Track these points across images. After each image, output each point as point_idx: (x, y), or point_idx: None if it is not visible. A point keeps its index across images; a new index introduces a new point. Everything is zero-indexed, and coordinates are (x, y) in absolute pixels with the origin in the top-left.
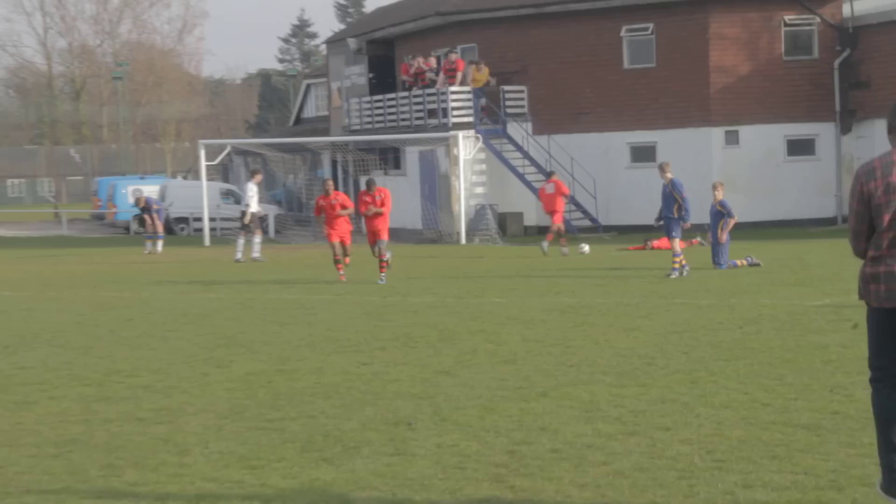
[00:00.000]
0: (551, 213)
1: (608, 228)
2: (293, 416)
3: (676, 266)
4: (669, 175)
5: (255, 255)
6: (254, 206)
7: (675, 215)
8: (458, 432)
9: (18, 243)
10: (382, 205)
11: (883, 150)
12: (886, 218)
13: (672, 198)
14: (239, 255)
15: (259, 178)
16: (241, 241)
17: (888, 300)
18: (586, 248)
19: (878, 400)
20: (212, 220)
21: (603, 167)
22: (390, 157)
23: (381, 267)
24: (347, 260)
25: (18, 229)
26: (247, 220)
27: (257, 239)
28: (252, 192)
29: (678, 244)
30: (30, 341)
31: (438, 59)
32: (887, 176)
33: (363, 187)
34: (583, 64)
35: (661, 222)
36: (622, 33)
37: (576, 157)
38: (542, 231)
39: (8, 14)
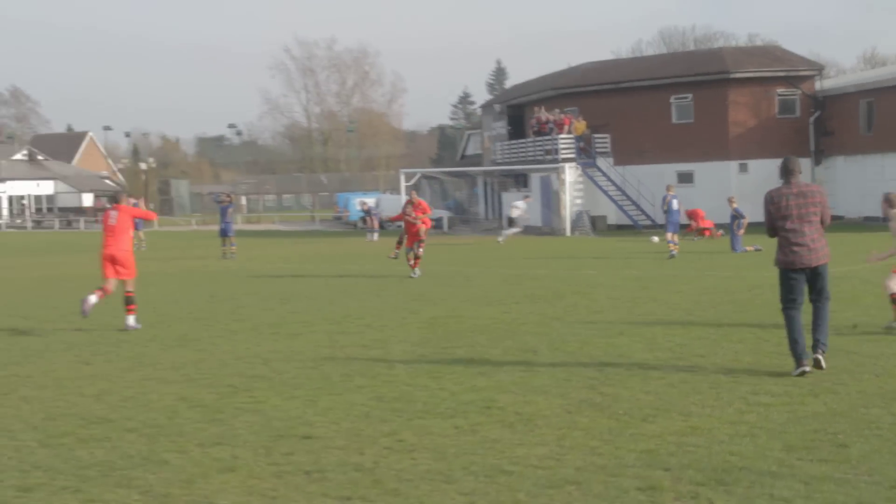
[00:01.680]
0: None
1: (660, 226)
2: (460, 346)
3: (673, 249)
4: (670, 193)
5: (503, 239)
6: (514, 213)
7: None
8: (565, 357)
9: (289, 235)
10: (424, 213)
11: (805, 181)
12: (780, 223)
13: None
14: (504, 238)
15: (530, 199)
16: (509, 231)
17: (791, 265)
18: (656, 238)
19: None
20: None
21: (659, 186)
22: (521, 180)
23: (413, 265)
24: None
25: (289, 226)
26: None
27: (512, 230)
28: (520, 205)
29: (669, 236)
30: (297, 296)
31: (554, 115)
32: (779, 201)
33: (409, 196)
34: (646, 119)
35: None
36: (671, 100)
37: (641, 180)
38: (620, 228)
39: (285, 91)
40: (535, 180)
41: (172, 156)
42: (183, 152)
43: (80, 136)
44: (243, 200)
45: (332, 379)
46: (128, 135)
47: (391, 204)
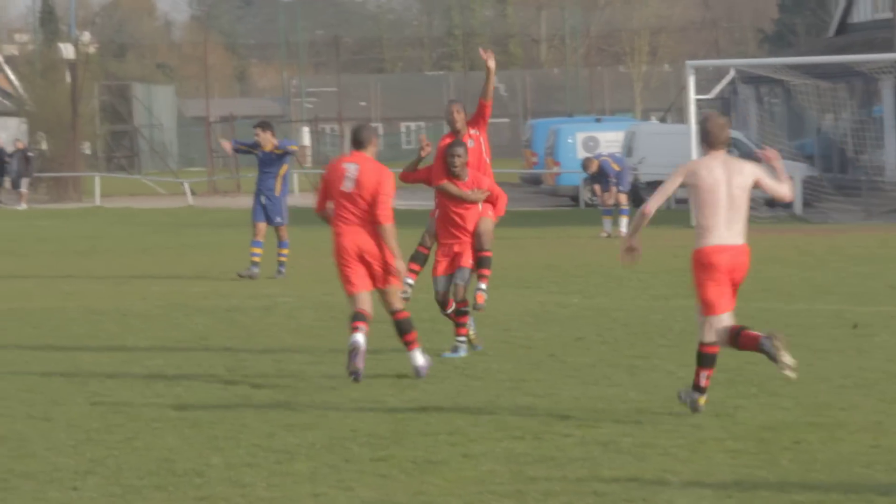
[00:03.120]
0: None
1: None
2: (839, 498)
3: None
4: None
5: None
6: None
7: None
8: None
9: (413, 219)
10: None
11: None
12: None
13: None
14: None
15: None
16: None
17: None
18: None
19: None
20: None
21: None
22: None
23: (458, 325)
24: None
25: (415, 198)
26: None
27: None
28: None
29: None
30: (434, 368)
31: None
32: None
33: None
34: None
35: None
36: None
37: None
38: None
39: None
40: None
41: (136, 28)
42: (162, 21)
43: None
44: (306, 137)
45: None
46: None
47: (661, 147)
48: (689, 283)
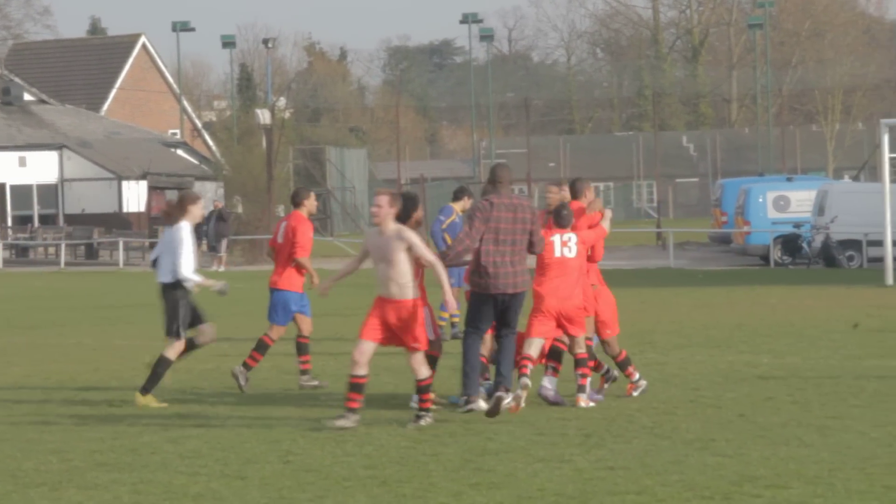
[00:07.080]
0: None
1: None
2: None
3: None
4: None
5: None
6: None
7: None
8: None
9: (605, 278)
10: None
11: None
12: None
13: None
14: None
15: None
16: None
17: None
18: None
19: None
20: None
21: None
22: None
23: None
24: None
25: (606, 258)
26: None
27: None
28: None
29: None
30: (622, 427)
31: None
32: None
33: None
34: None
35: None
36: None
37: None
38: None
39: None
40: None
41: (330, 93)
42: (355, 86)
43: (124, 47)
44: None
45: None
46: (230, 44)
47: (854, 206)
48: (884, 342)
